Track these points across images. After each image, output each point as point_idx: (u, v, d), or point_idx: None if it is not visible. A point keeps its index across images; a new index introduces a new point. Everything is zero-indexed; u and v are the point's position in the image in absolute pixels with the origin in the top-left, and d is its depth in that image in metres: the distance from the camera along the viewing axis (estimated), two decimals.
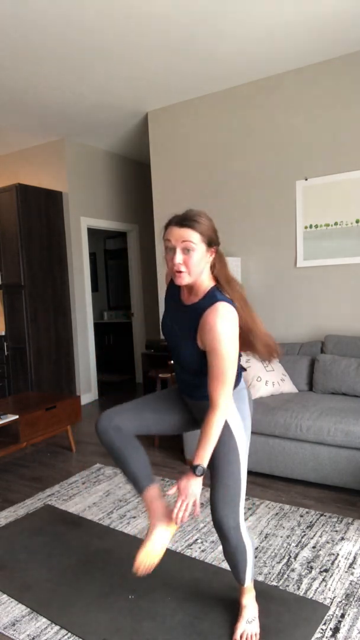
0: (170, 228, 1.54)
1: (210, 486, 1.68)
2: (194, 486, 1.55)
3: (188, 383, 1.71)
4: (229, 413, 1.63)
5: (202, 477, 1.55)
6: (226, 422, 1.62)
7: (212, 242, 1.56)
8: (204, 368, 1.58)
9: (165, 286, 1.86)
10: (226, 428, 1.62)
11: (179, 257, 1.52)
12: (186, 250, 1.51)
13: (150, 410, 1.78)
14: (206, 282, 1.60)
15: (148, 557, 1.65)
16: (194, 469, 1.53)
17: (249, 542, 1.71)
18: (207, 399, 1.61)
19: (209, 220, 1.56)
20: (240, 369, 1.70)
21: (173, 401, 1.83)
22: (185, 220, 1.52)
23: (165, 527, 1.66)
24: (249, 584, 1.76)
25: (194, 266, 1.53)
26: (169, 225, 1.55)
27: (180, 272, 1.53)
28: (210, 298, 1.55)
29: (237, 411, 1.65)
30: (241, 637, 1.73)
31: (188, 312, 1.61)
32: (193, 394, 1.72)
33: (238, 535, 1.66)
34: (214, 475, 1.66)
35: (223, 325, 1.49)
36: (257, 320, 1.64)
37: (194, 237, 1.50)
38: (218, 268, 1.62)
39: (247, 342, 1.63)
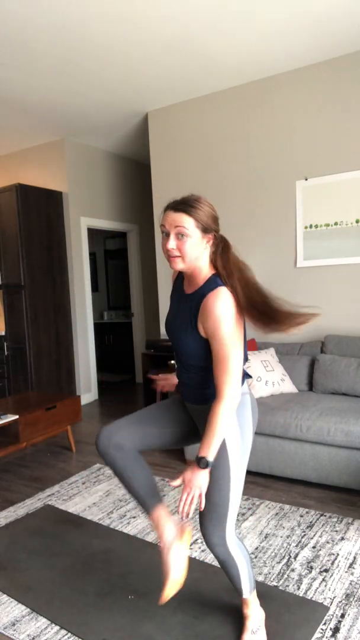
0: (167, 212, 1.52)
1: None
2: (200, 478, 1.46)
3: (190, 384, 1.66)
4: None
5: (208, 469, 1.46)
6: (226, 458, 1.55)
7: (208, 228, 1.51)
8: (206, 361, 1.55)
9: (169, 284, 1.86)
10: (224, 461, 1.54)
11: (172, 242, 1.50)
12: (180, 236, 1.49)
13: (151, 424, 1.70)
14: (205, 270, 1.57)
15: (175, 586, 1.57)
16: (198, 461, 1.46)
17: (240, 555, 1.64)
18: (208, 402, 1.56)
19: (208, 206, 1.52)
20: (245, 375, 1.66)
21: (174, 413, 1.76)
22: (180, 205, 1.49)
23: (179, 543, 1.58)
24: (248, 595, 1.71)
25: (188, 252, 1.50)
26: (166, 209, 1.52)
27: (174, 257, 1.52)
28: (210, 283, 1.52)
29: (236, 417, 1.55)
30: None
31: (189, 301, 1.59)
32: (196, 396, 1.65)
33: (225, 551, 1.61)
34: None
35: (223, 308, 1.46)
36: (266, 292, 1.57)
37: (187, 223, 1.48)
38: (218, 255, 1.56)
39: (267, 317, 1.53)
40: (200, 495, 1.48)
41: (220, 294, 1.48)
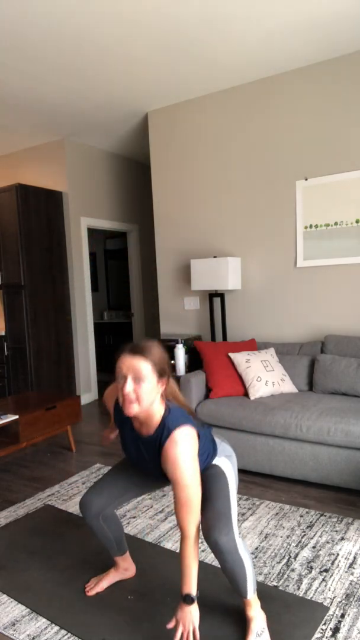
0: (123, 356, 1.56)
1: (200, 509, 1.68)
2: (191, 614, 1.59)
3: (151, 474, 1.81)
4: (221, 460, 1.80)
5: (195, 603, 1.59)
6: (217, 466, 1.78)
7: (163, 373, 1.57)
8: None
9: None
10: (217, 467, 1.77)
11: (129, 386, 1.54)
12: (137, 379, 1.53)
13: (127, 483, 1.93)
14: (157, 413, 1.63)
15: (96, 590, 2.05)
16: (184, 599, 1.58)
17: (247, 556, 1.68)
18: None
19: (162, 352, 1.59)
20: (213, 445, 1.81)
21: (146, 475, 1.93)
22: (138, 349, 1.54)
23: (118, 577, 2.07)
24: (252, 596, 1.72)
25: (144, 396, 1.54)
26: (122, 353, 1.57)
27: (129, 401, 1.55)
28: (165, 429, 1.59)
29: (225, 458, 1.81)
30: None
31: (149, 445, 1.67)
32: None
33: (234, 550, 1.63)
34: (203, 500, 1.68)
35: (182, 454, 1.55)
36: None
37: (145, 367, 1.53)
38: (167, 390, 1.67)
39: None
40: (194, 630, 1.59)
41: (177, 438, 1.56)
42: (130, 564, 2.13)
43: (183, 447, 1.55)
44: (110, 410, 1.90)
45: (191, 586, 1.58)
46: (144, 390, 1.54)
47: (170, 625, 1.61)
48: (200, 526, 1.65)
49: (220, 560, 1.64)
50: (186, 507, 1.56)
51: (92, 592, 2.02)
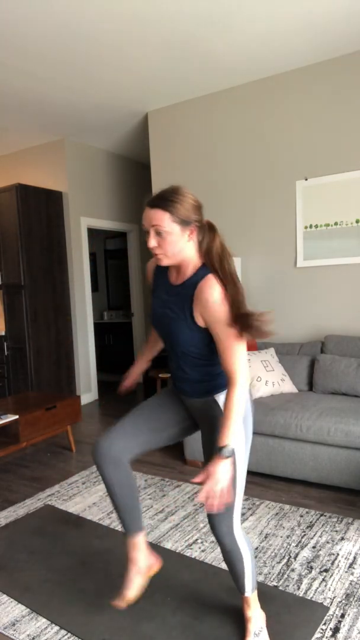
0: (145, 210, 1.50)
1: None
2: (221, 471, 1.42)
3: (188, 378, 1.64)
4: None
5: (230, 458, 1.44)
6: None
7: (187, 221, 1.47)
8: (205, 351, 1.54)
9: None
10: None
11: (152, 241, 1.49)
12: (158, 233, 1.47)
13: (148, 431, 1.69)
14: (193, 260, 1.54)
15: (125, 601, 1.72)
16: (220, 450, 1.42)
17: (246, 548, 1.65)
18: (210, 394, 1.59)
19: (186, 197, 1.47)
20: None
21: (171, 412, 1.75)
22: (157, 200, 1.47)
23: (143, 574, 1.71)
24: (250, 594, 1.70)
25: (170, 248, 1.48)
26: (145, 206, 1.51)
27: (156, 254, 1.51)
28: (201, 271, 1.51)
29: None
30: None
31: (180, 292, 1.56)
32: (196, 390, 1.64)
33: (232, 541, 1.62)
34: None
35: (219, 294, 1.44)
36: (243, 293, 1.52)
37: (164, 219, 1.45)
38: (206, 244, 1.52)
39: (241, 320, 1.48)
40: (221, 489, 1.43)
41: (213, 281, 1.46)
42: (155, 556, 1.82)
43: (218, 289, 1.44)
44: (149, 277, 1.75)
45: (230, 437, 1.43)
46: (168, 242, 1.47)
47: (198, 479, 1.44)
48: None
49: (221, 549, 1.64)
50: (232, 347, 1.44)
51: (123, 605, 1.76)
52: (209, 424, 1.64)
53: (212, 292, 1.45)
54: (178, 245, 1.49)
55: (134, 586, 1.70)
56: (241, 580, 1.67)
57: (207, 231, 1.54)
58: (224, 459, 1.42)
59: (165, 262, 1.52)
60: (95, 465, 1.64)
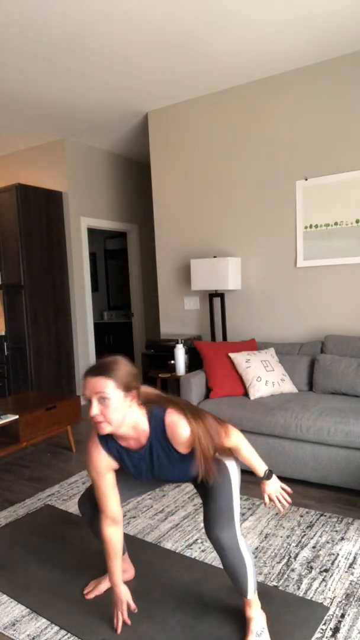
0: (86, 379, 1.53)
1: (203, 506, 1.72)
2: (274, 484, 1.74)
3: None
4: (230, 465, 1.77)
5: (273, 475, 1.74)
6: (224, 464, 1.75)
7: (130, 386, 1.55)
8: (191, 470, 1.67)
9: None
10: (223, 466, 1.75)
11: (95, 409, 1.52)
12: (102, 400, 1.51)
13: (127, 483, 1.90)
14: (142, 422, 1.61)
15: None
16: (266, 475, 1.72)
17: (248, 554, 1.68)
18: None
19: (126, 365, 1.56)
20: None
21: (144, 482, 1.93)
22: (98, 369, 1.52)
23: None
24: (252, 596, 1.71)
25: (113, 415, 1.52)
26: (85, 375, 1.54)
27: (99, 422, 1.53)
28: (157, 421, 1.60)
29: (234, 463, 1.79)
30: None
31: (152, 451, 1.65)
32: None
33: (235, 547, 1.64)
34: (206, 496, 1.70)
35: (184, 427, 1.57)
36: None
37: (108, 387, 1.50)
38: (142, 399, 1.64)
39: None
40: (284, 490, 1.77)
41: (172, 419, 1.58)
42: (130, 566, 2.12)
43: (182, 420, 1.58)
44: (97, 467, 1.71)
45: (263, 464, 1.72)
46: (111, 409, 1.52)
47: (266, 500, 1.74)
48: (203, 523, 1.67)
49: (222, 556, 1.64)
50: (221, 438, 1.65)
51: (91, 596, 2.00)
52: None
53: (181, 429, 1.57)
54: (121, 413, 1.55)
55: (107, 584, 2.04)
56: (244, 584, 1.68)
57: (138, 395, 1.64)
58: (271, 479, 1.74)
59: (107, 429, 1.56)
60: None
